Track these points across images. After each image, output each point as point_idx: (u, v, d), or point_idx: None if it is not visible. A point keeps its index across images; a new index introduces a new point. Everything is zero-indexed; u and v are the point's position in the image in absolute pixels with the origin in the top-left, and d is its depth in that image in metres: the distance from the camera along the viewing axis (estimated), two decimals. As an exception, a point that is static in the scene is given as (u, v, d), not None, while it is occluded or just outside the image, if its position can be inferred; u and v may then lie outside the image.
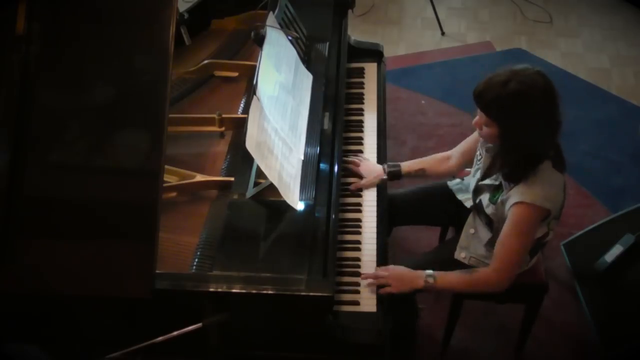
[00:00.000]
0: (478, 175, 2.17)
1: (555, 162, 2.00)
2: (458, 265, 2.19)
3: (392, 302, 2.16)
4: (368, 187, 2.32)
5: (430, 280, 2.03)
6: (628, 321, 2.55)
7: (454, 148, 2.40)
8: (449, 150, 2.42)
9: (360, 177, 2.35)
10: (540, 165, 1.96)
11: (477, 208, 2.17)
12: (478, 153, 2.22)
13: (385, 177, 2.35)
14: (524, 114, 1.90)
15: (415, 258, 2.34)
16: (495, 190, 2.08)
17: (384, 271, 2.06)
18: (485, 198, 2.12)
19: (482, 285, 2.05)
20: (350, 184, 2.35)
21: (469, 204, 2.27)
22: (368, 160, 2.41)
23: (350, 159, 2.38)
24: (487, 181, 2.12)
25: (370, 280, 2.04)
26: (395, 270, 2.06)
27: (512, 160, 1.97)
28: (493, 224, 2.10)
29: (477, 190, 2.17)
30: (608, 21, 4.36)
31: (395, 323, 2.31)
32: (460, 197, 2.35)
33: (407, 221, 2.56)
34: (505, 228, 1.99)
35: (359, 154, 2.44)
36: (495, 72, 1.94)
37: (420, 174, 2.40)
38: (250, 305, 1.82)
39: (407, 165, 2.40)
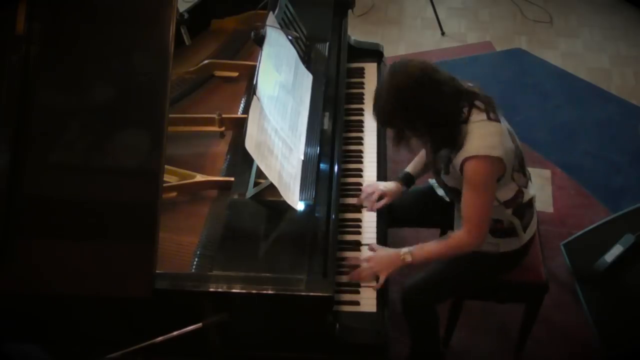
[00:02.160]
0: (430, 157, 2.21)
1: (488, 113, 2.01)
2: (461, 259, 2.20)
3: (413, 316, 2.25)
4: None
5: (408, 257, 2.09)
6: (628, 321, 2.55)
7: None
8: None
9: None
10: (469, 124, 1.99)
11: (446, 191, 2.20)
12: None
13: (404, 188, 2.38)
14: (407, 103, 1.95)
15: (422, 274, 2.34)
16: (448, 160, 2.09)
17: (366, 262, 2.09)
18: (442, 173, 2.14)
19: (458, 248, 2.10)
20: (350, 184, 2.36)
21: (447, 198, 2.30)
22: (380, 183, 2.37)
23: (364, 195, 2.32)
24: (441, 154, 2.13)
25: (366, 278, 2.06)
26: (374, 256, 2.11)
27: (434, 136, 2.05)
28: (461, 194, 2.11)
29: (437, 171, 2.17)
30: (608, 21, 4.36)
31: (416, 336, 2.34)
32: (439, 192, 2.36)
33: (404, 223, 2.56)
34: (464, 188, 2.02)
35: (368, 186, 2.38)
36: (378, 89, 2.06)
37: (426, 169, 2.41)
38: (250, 305, 1.82)
39: (412, 169, 2.42)
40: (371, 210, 2.29)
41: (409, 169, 2.42)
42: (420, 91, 1.94)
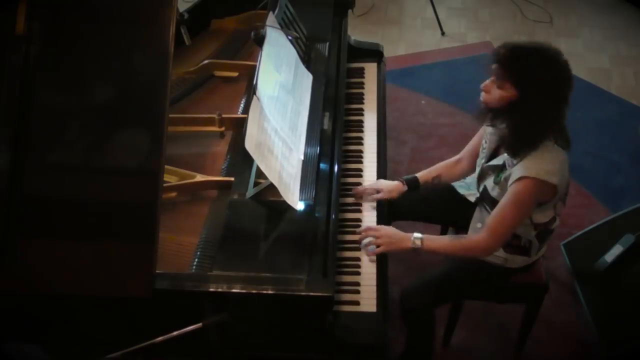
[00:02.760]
0: (483, 161, 2.19)
1: (560, 140, 2.01)
2: (464, 266, 2.20)
3: (410, 318, 2.25)
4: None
5: (418, 242, 2.08)
6: (628, 321, 2.55)
7: (462, 151, 2.41)
8: (456, 154, 2.43)
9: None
10: (545, 141, 1.97)
11: (482, 196, 2.17)
12: (483, 141, 2.23)
13: (405, 188, 2.37)
14: (544, 81, 1.92)
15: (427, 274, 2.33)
16: (500, 170, 2.09)
17: (375, 230, 2.12)
18: (489, 181, 2.12)
19: (471, 250, 2.09)
20: (350, 184, 2.35)
21: (472, 198, 2.28)
22: (380, 180, 2.38)
23: (367, 189, 2.33)
24: (492, 162, 2.13)
25: (367, 241, 2.10)
26: (386, 229, 2.13)
27: (519, 129, 1.98)
28: None
29: (482, 176, 2.17)
30: (608, 21, 4.36)
31: (412, 338, 2.34)
32: (462, 192, 2.36)
33: (407, 216, 2.55)
34: (504, 199, 2.01)
35: (367, 183, 2.40)
36: (517, 41, 2.00)
37: (436, 181, 2.41)
38: (250, 305, 1.82)
39: (422, 175, 2.41)
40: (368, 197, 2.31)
41: (420, 174, 2.41)
42: (562, 79, 1.94)
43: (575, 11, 4.45)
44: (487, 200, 2.15)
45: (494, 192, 2.10)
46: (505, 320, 2.71)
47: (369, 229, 2.14)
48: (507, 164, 2.06)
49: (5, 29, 1.79)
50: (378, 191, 2.31)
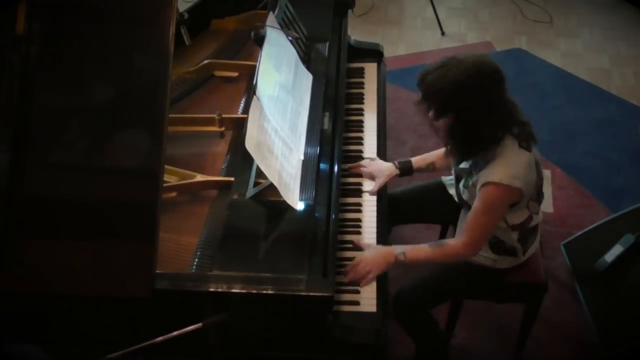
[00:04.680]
0: (454, 164, 2.21)
1: (521, 140, 2.01)
2: (455, 268, 2.21)
3: (405, 319, 2.26)
4: (382, 185, 2.33)
5: (401, 257, 2.09)
6: (628, 321, 2.55)
7: None
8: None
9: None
10: (499, 146, 1.98)
11: (459, 198, 2.19)
12: None
13: (398, 172, 2.37)
14: (464, 103, 1.92)
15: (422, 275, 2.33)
16: (469, 174, 2.10)
17: (357, 265, 2.04)
18: (461, 184, 2.14)
19: (450, 257, 2.12)
20: (350, 184, 2.35)
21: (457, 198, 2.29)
22: (375, 159, 2.41)
23: (357, 163, 2.37)
24: (461, 165, 2.14)
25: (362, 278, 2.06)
26: (366, 257, 2.06)
27: (462, 147, 2.03)
28: None
29: (457, 178, 2.19)
30: (608, 21, 4.36)
31: (412, 332, 2.35)
32: (451, 192, 2.36)
33: (406, 219, 2.56)
34: (475, 205, 2.03)
35: (367, 158, 2.43)
36: (434, 63, 1.97)
37: (431, 168, 2.41)
38: (250, 305, 1.82)
39: (417, 161, 2.41)
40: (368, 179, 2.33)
41: (414, 159, 2.41)
42: (481, 92, 1.91)
43: (575, 11, 4.45)
44: (464, 203, 2.17)
45: (464, 196, 2.13)
46: (505, 320, 2.71)
47: (351, 269, 2.04)
48: (472, 169, 2.07)
49: (5, 29, 1.79)
50: (372, 176, 2.33)
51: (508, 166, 1.98)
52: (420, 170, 2.41)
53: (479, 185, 2.01)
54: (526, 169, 2.01)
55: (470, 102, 1.92)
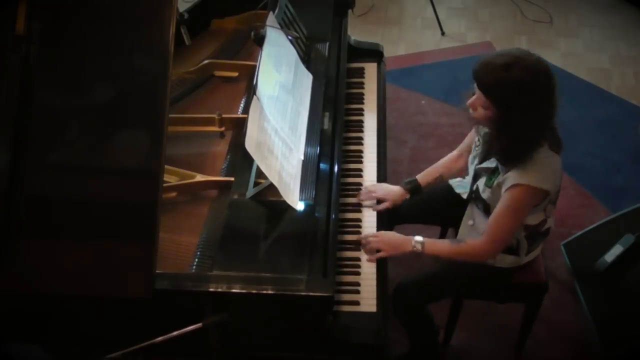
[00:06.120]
0: (476, 162, 2.19)
1: (551, 143, 2.01)
2: (453, 265, 2.21)
3: (403, 314, 2.25)
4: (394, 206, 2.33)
5: (419, 246, 2.10)
6: (628, 321, 2.55)
7: (459, 146, 2.41)
8: (454, 150, 2.43)
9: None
10: (537, 149, 1.98)
11: (474, 195, 2.18)
12: (476, 139, 2.23)
13: (408, 196, 2.37)
14: (524, 102, 1.90)
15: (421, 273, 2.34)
16: (492, 173, 2.09)
17: (374, 237, 2.12)
18: (481, 182, 2.13)
19: (470, 256, 2.12)
20: (350, 184, 2.35)
21: (466, 196, 2.28)
22: (380, 184, 2.37)
23: (364, 191, 2.32)
24: (484, 164, 2.13)
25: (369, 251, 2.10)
26: (386, 235, 2.14)
27: (507, 146, 1.98)
28: (490, 209, 2.10)
29: (476, 176, 2.18)
30: (608, 21, 4.36)
31: (409, 328, 2.34)
32: (458, 190, 2.36)
33: (407, 219, 2.55)
34: (500, 206, 2.02)
35: (366, 184, 2.39)
36: (495, 54, 1.96)
37: (438, 181, 2.41)
38: (250, 305, 1.82)
39: (423, 177, 2.40)
40: (369, 205, 2.29)
41: (420, 177, 2.41)
42: (541, 91, 1.91)
43: (575, 11, 4.45)
44: (478, 200, 2.16)
45: (484, 194, 2.11)
46: (505, 320, 2.71)
47: (367, 239, 2.14)
48: (500, 169, 2.06)
49: (5, 29, 1.79)
50: (380, 200, 2.31)
51: (540, 169, 1.97)
52: (429, 186, 2.41)
53: (506, 186, 1.99)
54: (556, 172, 2.02)
55: (531, 102, 1.90)
